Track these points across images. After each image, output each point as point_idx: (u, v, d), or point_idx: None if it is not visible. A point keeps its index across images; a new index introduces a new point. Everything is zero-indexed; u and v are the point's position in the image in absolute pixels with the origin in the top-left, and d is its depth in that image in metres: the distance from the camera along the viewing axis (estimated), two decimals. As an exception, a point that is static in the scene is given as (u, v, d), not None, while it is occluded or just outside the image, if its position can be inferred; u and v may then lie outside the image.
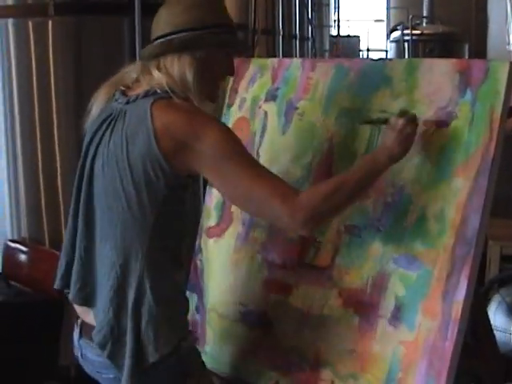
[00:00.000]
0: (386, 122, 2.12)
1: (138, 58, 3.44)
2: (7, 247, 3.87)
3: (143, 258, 2.00)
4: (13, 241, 3.89)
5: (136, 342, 2.00)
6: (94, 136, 2.11)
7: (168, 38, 2.02)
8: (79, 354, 2.19)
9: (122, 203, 2.00)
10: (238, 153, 1.98)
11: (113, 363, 2.03)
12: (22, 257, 3.82)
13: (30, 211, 3.91)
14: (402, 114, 2.08)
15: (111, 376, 2.09)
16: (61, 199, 3.82)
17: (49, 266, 3.62)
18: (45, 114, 3.79)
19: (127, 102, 2.05)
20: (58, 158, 3.80)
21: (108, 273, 2.04)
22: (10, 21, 3.80)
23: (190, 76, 2.01)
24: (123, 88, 2.10)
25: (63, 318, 3.55)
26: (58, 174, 3.81)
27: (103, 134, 2.07)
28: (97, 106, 2.13)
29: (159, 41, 2.04)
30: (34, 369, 3.50)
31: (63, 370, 3.66)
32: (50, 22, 3.71)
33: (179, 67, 2.02)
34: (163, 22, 2.05)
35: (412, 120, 2.07)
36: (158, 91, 2.01)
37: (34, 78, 3.78)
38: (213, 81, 2.10)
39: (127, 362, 2.00)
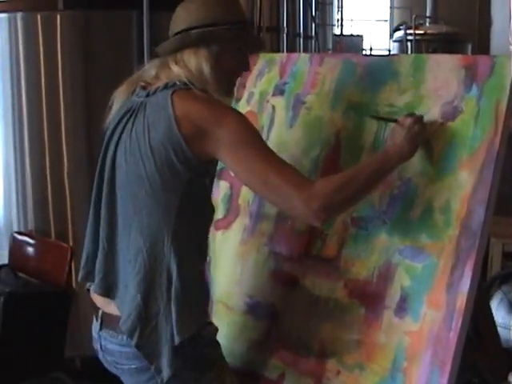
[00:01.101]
0: (394, 120, 2.16)
1: (145, 52, 3.49)
2: (14, 239, 3.90)
3: (170, 244, 2.04)
4: (20, 233, 3.92)
5: (170, 325, 2.03)
6: (116, 129, 2.16)
7: (183, 33, 2.08)
8: (98, 346, 2.19)
9: (146, 189, 2.04)
10: (255, 141, 2.04)
11: (141, 351, 2.04)
12: (29, 249, 3.84)
13: (36, 204, 3.93)
14: (410, 114, 2.13)
15: (133, 366, 2.10)
16: (67, 192, 3.85)
17: (55, 258, 3.67)
18: (53, 108, 3.82)
19: (147, 95, 2.11)
20: (64, 151, 3.82)
21: (134, 259, 2.07)
22: (19, 14, 3.83)
23: (206, 69, 2.07)
24: (143, 84, 2.16)
25: (70, 310, 3.58)
26: (65, 166, 3.83)
27: (125, 126, 2.12)
28: (117, 102, 2.19)
29: (176, 36, 2.10)
30: (41, 360, 3.52)
31: (69, 362, 3.69)
32: (59, 16, 3.74)
33: (196, 61, 2.08)
34: (180, 20, 2.12)
35: (419, 120, 2.12)
36: (177, 83, 2.07)
37: (43, 72, 3.81)
38: (229, 76, 2.16)
39: (166, 346, 2.02)
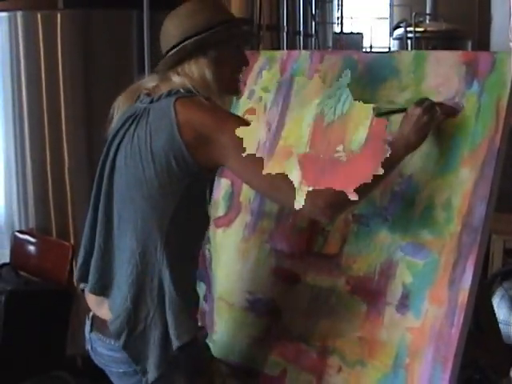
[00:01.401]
0: (403, 110, 2.14)
1: (146, 52, 3.49)
2: (15, 238, 3.91)
3: (162, 250, 2.04)
4: (21, 231, 3.92)
5: (162, 329, 2.04)
6: (118, 132, 2.17)
7: (178, 47, 2.09)
8: (90, 347, 2.21)
9: (143, 193, 2.05)
10: None
11: (127, 352, 2.05)
12: (30, 247, 3.85)
13: (37, 202, 3.94)
14: (420, 102, 2.10)
15: (120, 371, 2.12)
16: (68, 190, 3.86)
17: (56, 256, 3.67)
18: (53, 107, 3.83)
19: (151, 102, 2.12)
20: (65, 150, 3.83)
21: (127, 261, 2.08)
22: (19, 13, 3.84)
23: (209, 75, 2.09)
24: (146, 91, 2.18)
25: (71, 308, 3.58)
26: (66, 165, 3.85)
27: (127, 131, 2.13)
28: (118, 112, 2.21)
29: (171, 53, 2.11)
30: (42, 358, 3.53)
31: (70, 360, 3.69)
32: (59, 15, 3.75)
33: (198, 70, 2.10)
34: (170, 35, 2.13)
35: (430, 108, 2.08)
36: (181, 90, 2.09)
37: (43, 71, 3.81)
38: (231, 75, 2.18)
39: (154, 349, 2.03)
